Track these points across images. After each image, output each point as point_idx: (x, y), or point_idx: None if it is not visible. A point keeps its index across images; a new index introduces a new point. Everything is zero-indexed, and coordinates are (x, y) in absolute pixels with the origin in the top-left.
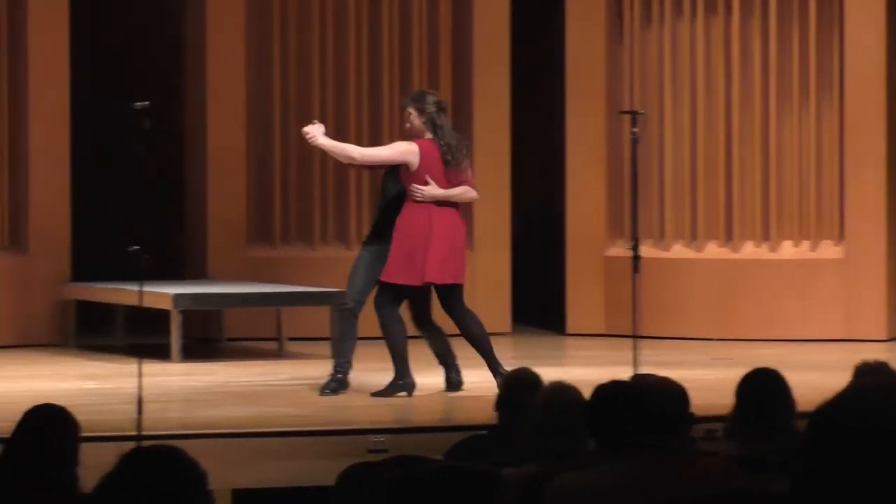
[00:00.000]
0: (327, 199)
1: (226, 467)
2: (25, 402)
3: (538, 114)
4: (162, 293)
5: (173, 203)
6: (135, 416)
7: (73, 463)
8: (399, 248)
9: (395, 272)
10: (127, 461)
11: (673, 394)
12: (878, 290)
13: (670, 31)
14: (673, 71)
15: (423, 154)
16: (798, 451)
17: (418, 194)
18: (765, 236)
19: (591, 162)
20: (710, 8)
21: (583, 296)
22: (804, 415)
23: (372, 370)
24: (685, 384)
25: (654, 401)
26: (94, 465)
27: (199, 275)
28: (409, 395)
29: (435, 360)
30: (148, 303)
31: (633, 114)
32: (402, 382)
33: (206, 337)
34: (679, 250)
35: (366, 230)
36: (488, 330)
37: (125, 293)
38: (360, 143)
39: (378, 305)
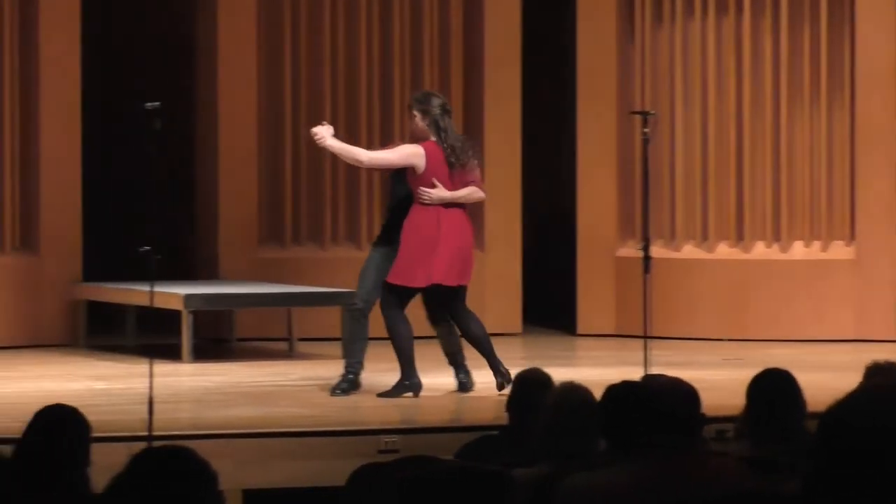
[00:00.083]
0: (338, 200)
1: (236, 467)
2: (36, 402)
3: (549, 114)
4: (173, 293)
5: (184, 203)
6: (146, 416)
7: (85, 463)
8: (407, 250)
9: (402, 274)
10: (138, 461)
11: (684, 394)
12: (890, 291)
13: (681, 31)
14: (684, 71)
15: (428, 157)
16: (809, 452)
17: (426, 197)
18: (776, 237)
19: (601, 162)
20: (721, 8)
21: (593, 296)
22: (815, 415)
23: (382, 371)
24: (696, 384)
25: (665, 401)
26: (105, 465)
27: (210, 275)
28: (416, 395)
29: (444, 360)
30: (159, 303)
31: (644, 114)
32: (409, 383)
33: (217, 337)
34: (690, 251)
35: (376, 231)
36: (499, 330)
37: (136, 293)
38: (370, 143)
39: (384, 306)
